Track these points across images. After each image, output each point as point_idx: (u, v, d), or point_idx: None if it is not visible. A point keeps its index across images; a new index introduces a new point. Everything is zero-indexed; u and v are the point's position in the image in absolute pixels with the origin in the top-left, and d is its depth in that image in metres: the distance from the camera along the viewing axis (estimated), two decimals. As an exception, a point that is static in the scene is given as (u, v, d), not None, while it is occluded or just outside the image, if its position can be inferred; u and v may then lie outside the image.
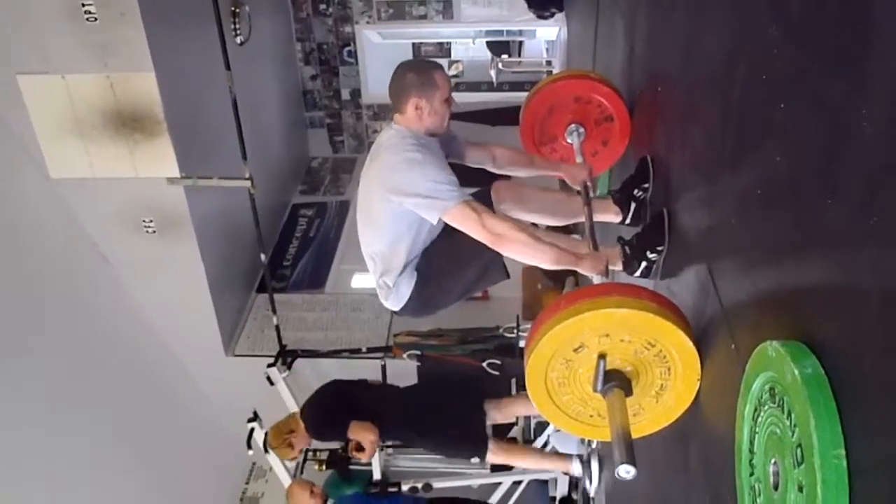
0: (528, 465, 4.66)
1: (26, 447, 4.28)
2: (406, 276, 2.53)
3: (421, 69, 2.49)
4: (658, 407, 1.89)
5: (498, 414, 4.47)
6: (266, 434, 4.56)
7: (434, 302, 2.64)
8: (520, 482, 4.91)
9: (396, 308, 2.61)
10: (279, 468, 4.85)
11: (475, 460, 4.45)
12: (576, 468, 4.38)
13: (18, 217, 4.61)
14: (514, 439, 4.98)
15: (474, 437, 4.24)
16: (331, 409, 4.19)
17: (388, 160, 2.40)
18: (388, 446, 4.88)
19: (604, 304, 1.71)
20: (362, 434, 4.07)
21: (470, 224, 2.30)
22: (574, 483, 4.75)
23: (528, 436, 5.02)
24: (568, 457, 4.50)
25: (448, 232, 2.42)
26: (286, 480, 4.76)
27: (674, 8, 2.21)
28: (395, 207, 2.38)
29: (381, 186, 2.40)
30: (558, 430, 4.48)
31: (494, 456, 4.32)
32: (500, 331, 5.04)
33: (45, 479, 4.38)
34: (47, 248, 4.82)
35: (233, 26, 5.62)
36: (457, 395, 4.42)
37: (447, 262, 2.54)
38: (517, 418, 4.80)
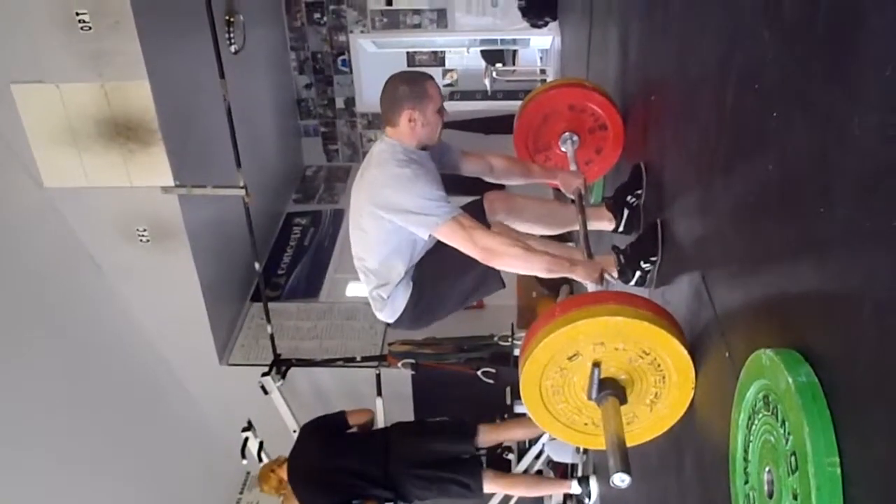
0: (526, 494, 4.65)
1: (20, 455, 4.25)
2: (402, 288, 2.51)
3: (413, 80, 2.45)
4: (652, 415, 1.89)
5: (493, 438, 4.45)
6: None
7: (430, 314, 2.62)
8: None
9: (391, 320, 2.59)
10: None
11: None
12: (574, 488, 4.37)
13: (12, 226, 4.59)
14: (507, 460, 4.97)
15: (470, 487, 4.19)
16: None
17: (377, 176, 2.39)
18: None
19: (598, 313, 1.71)
20: None
21: (460, 240, 2.29)
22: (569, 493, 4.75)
23: (523, 445, 5.02)
24: (564, 475, 4.49)
25: (443, 243, 2.41)
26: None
27: (667, 16, 2.22)
28: (385, 224, 2.37)
29: (369, 202, 2.38)
30: (553, 439, 4.47)
31: (491, 489, 4.29)
32: (495, 339, 5.04)
33: (40, 488, 4.35)
34: (41, 257, 4.81)
35: (227, 35, 5.62)
36: (448, 441, 4.34)
37: (443, 273, 2.52)
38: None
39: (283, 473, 4.26)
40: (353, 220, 2.51)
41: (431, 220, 2.29)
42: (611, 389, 1.77)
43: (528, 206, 2.71)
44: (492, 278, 2.54)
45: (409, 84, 2.43)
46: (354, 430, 4.47)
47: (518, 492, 4.59)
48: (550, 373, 1.80)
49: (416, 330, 2.86)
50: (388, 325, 2.65)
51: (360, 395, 5.33)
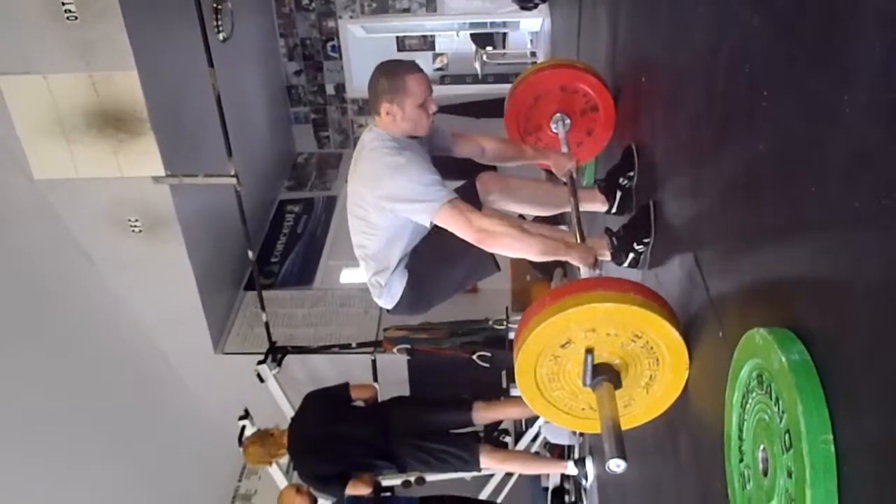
0: (522, 470, 4.67)
1: (13, 446, 4.25)
2: (398, 274, 2.53)
3: (393, 73, 2.41)
4: (648, 397, 1.89)
5: (488, 415, 4.47)
6: (246, 443, 4.54)
7: (427, 298, 2.64)
8: (512, 473, 4.93)
9: (390, 306, 2.60)
10: (273, 468, 4.84)
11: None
12: (571, 469, 4.39)
13: (3, 219, 4.57)
14: (504, 443, 5.00)
15: (466, 459, 4.25)
16: (326, 476, 4.20)
17: (372, 167, 2.39)
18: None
19: (587, 300, 1.70)
20: (360, 490, 4.14)
21: (456, 223, 2.29)
22: (566, 474, 4.77)
23: (520, 427, 5.03)
24: (561, 457, 4.51)
25: (436, 229, 2.41)
26: (280, 479, 4.77)
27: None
28: (386, 213, 2.38)
29: (371, 194, 2.39)
30: (549, 422, 4.49)
31: (487, 464, 4.33)
32: (490, 323, 5.05)
33: (34, 478, 4.35)
34: (32, 250, 4.79)
35: (215, 23, 5.57)
36: (446, 414, 4.42)
37: (438, 258, 2.53)
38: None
39: (284, 440, 4.28)
40: (352, 209, 2.52)
41: (430, 206, 2.29)
42: (605, 375, 1.77)
43: (522, 186, 2.71)
44: (486, 262, 2.54)
45: (389, 77, 2.40)
46: (359, 403, 4.50)
47: (514, 468, 4.62)
48: (544, 361, 1.81)
49: (414, 315, 2.87)
50: (387, 311, 2.66)
51: (356, 382, 5.34)
